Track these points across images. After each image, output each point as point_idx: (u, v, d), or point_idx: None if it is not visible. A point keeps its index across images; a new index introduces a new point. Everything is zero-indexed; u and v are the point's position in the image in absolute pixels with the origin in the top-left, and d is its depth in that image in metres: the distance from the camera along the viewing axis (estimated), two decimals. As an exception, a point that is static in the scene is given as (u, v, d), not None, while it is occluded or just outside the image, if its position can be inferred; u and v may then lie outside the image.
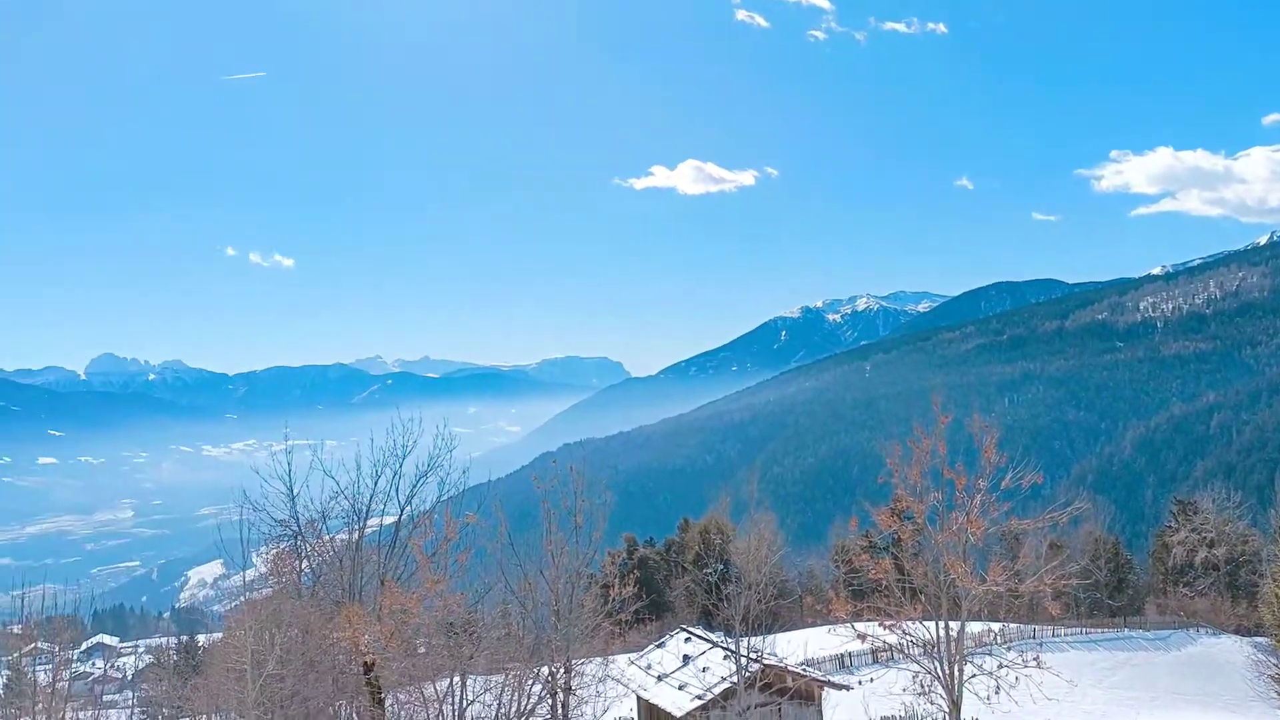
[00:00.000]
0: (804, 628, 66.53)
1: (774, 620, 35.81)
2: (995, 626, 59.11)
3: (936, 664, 24.96)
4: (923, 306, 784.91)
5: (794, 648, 47.51)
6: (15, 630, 37.68)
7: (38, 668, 33.85)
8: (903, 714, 38.86)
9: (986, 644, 54.13)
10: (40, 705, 29.51)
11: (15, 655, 37.04)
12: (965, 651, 25.46)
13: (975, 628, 53.69)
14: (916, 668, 25.71)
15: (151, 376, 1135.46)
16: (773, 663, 33.23)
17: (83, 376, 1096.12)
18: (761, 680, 32.06)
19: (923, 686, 25.53)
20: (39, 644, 36.73)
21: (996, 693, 25.18)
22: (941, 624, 24.85)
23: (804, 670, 36.54)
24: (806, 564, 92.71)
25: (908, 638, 25.69)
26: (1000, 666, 24.78)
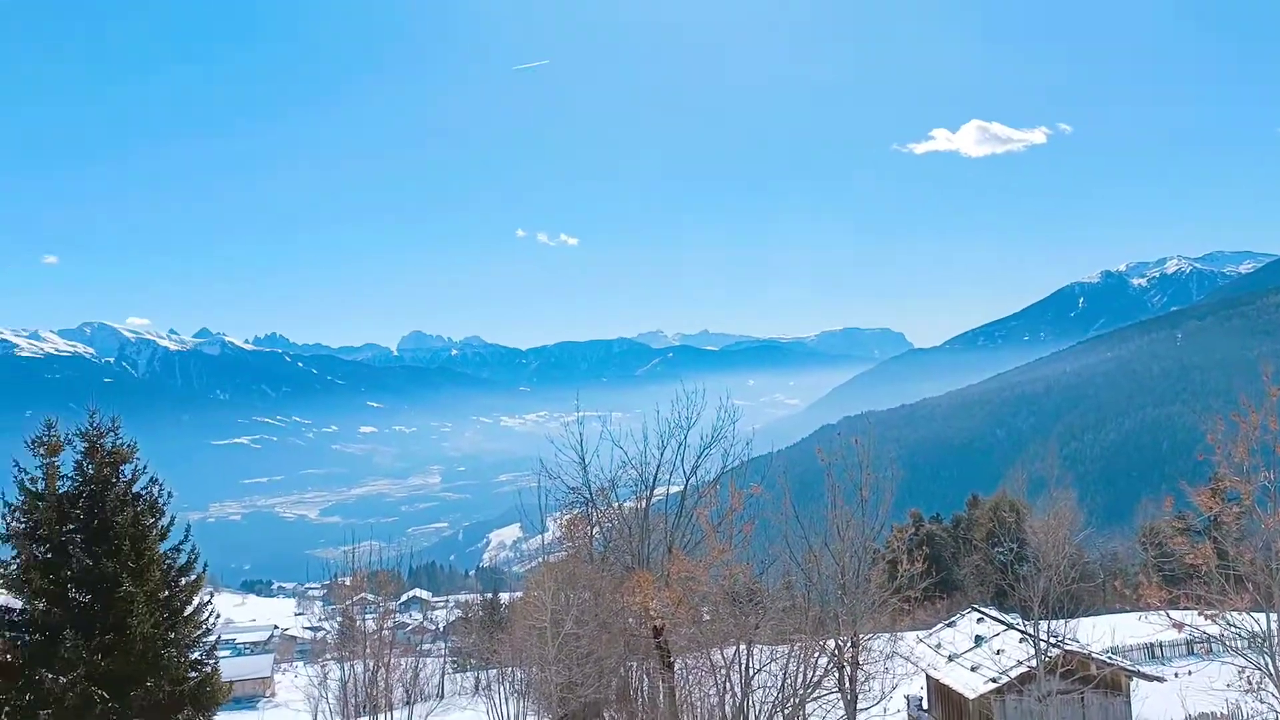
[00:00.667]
0: (1108, 613, 62.46)
1: (1075, 604, 33.70)
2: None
3: (1267, 659, 22.65)
4: (1245, 267, 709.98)
5: (1098, 634, 44.68)
6: (346, 582, 41.59)
7: (366, 616, 37.23)
8: (1225, 711, 35.68)
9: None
10: (368, 650, 32.55)
11: (346, 604, 40.90)
12: (1303, 648, 22.94)
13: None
14: (1243, 662, 23.45)
15: (454, 352, 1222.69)
16: (1075, 648, 31.36)
17: (395, 352, 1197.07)
18: (1062, 666, 30.33)
19: (1250, 683, 23.27)
20: (366, 595, 40.55)
21: (1341, 695, 22.57)
22: (1274, 616, 22.50)
23: (1110, 658, 34.23)
24: (1110, 546, 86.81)
25: (1232, 629, 23.47)
26: (1346, 666, 22.15)
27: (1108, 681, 32.09)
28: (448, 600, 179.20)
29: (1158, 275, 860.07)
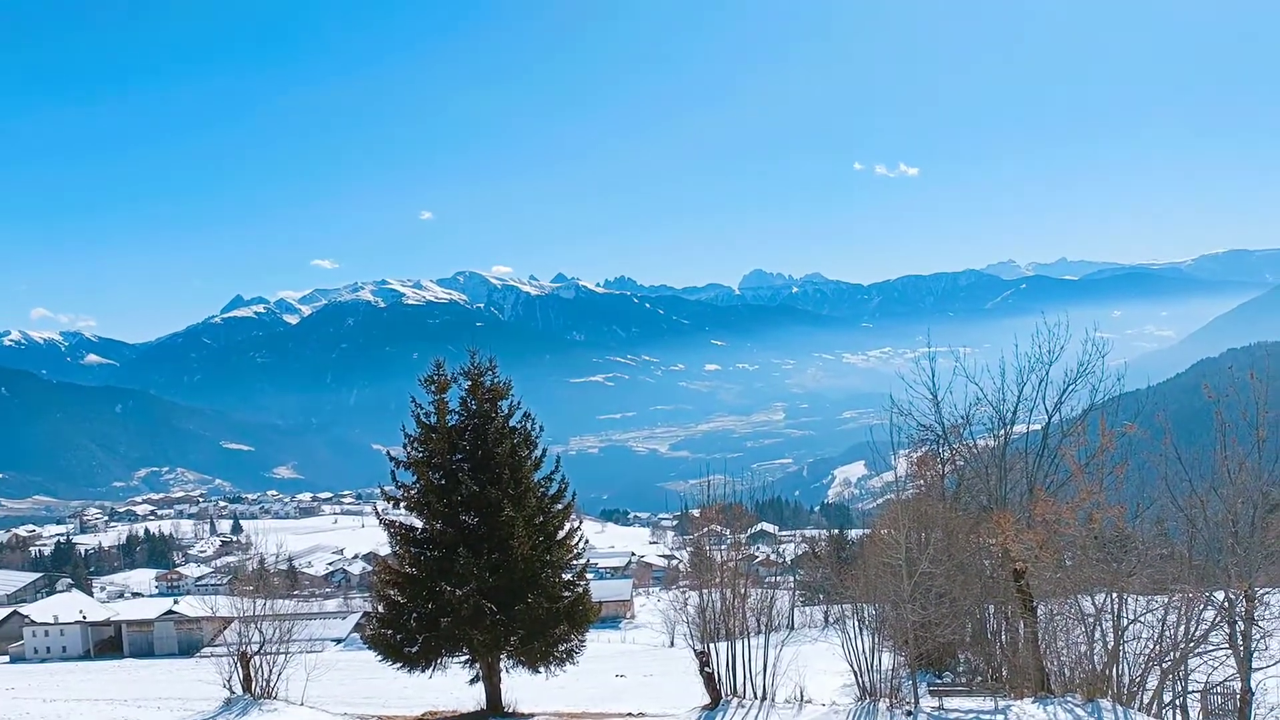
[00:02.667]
0: None
1: None
2: None
3: None
4: None
5: None
6: (696, 513, 43.21)
7: (720, 546, 38.52)
8: None
9: None
10: (722, 579, 33.72)
11: (699, 534, 42.54)
12: None
13: None
14: None
15: (794, 290, 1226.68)
16: None
17: (737, 291, 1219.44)
18: None
19: None
20: (717, 526, 41.98)
21: None
22: None
23: None
24: None
25: None
26: None
27: None
28: (794, 535, 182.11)
29: None
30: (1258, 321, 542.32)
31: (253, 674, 28.64)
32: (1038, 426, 33.69)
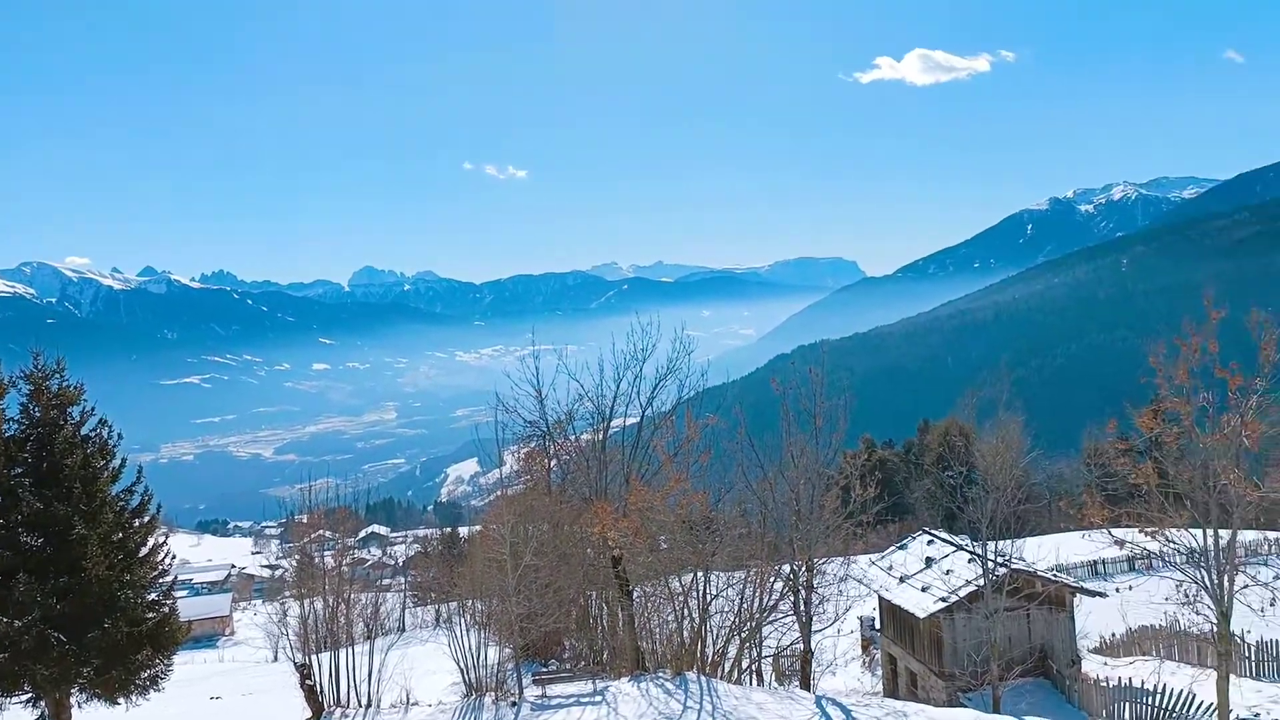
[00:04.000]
0: (1054, 533, 64.28)
1: (1022, 524, 34.60)
2: (1272, 536, 54.91)
3: (1203, 573, 23.48)
4: (1188, 193, 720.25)
5: (1044, 553, 46.02)
6: (303, 519, 41.59)
7: (324, 553, 37.33)
8: (1164, 623, 37.05)
9: (1262, 554, 50.59)
10: (327, 586, 32.71)
11: (304, 542, 40.94)
12: (1237, 561, 23.77)
13: (1249, 536, 50.19)
14: (1180, 577, 24.30)
15: (407, 287, 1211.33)
16: (1021, 567, 32.28)
17: (347, 289, 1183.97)
18: (1009, 585, 31.24)
19: (1187, 596, 24.21)
20: (324, 532, 40.61)
21: (1272, 604, 23.54)
22: (1210, 532, 23.29)
23: (1054, 576, 35.24)
24: (1056, 468, 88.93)
25: (1171, 545, 24.26)
26: (1277, 577, 23.04)
27: (1052, 598, 33.07)
28: (406, 536, 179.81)
29: (1104, 202, 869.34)
30: (822, 321, 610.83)
31: None
32: (634, 420, 35.81)
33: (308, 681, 25.90)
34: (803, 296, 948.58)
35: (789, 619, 32.37)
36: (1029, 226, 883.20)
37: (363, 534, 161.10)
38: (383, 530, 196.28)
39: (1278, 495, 23.27)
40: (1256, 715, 27.44)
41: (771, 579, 30.92)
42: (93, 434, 25.93)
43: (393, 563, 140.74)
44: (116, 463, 26.30)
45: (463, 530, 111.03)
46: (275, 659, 71.88)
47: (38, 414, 25.16)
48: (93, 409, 26.05)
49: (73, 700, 25.57)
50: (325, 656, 27.66)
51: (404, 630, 71.09)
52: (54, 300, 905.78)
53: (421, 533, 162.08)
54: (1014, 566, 31.43)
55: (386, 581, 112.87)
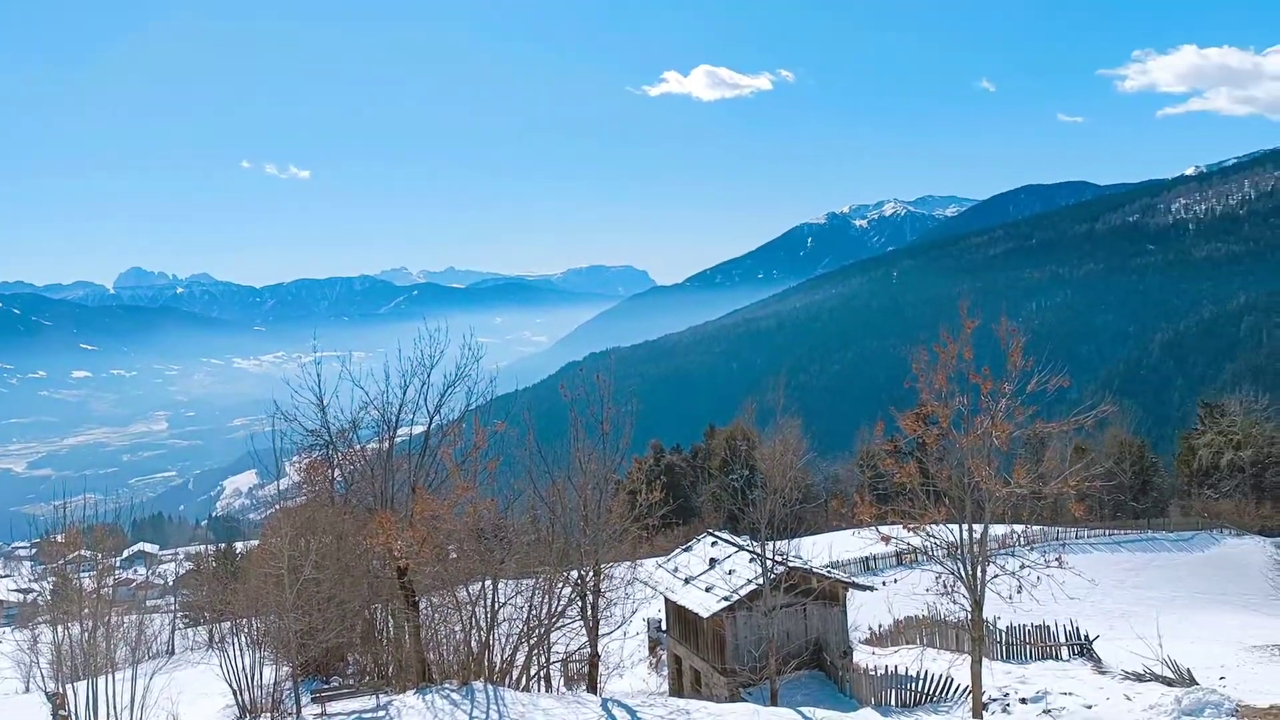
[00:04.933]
0: (829, 531, 67.40)
1: (799, 524, 36.22)
2: (1019, 529, 59.72)
3: (959, 565, 25.21)
4: (950, 211, 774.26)
5: (819, 551, 48.21)
6: (59, 539, 38.62)
7: (82, 574, 34.77)
8: (926, 613, 39.53)
9: (1010, 546, 54.74)
10: (86, 609, 30.43)
11: (60, 562, 38.05)
12: (988, 553, 25.68)
13: (999, 530, 54.24)
14: (939, 569, 26.01)
15: (180, 290, 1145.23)
16: (798, 565, 33.73)
17: (111, 291, 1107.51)
18: (787, 582, 32.58)
19: (945, 586, 25.86)
20: (83, 552, 37.74)
21: (1019, 592, 25.49)
22: (965, 526, 25.08)
23: (829, 572, 37.03)
24: (832, 470, 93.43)
25: (931, 540, 25.94)
26: (1023, 567, 25.02)
27: (827, 593, 34.72)
28: (177, 553, 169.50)
29: (877, 217, 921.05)
30: (613, 328, 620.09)
31: None
32: (421, 428, 35.17)
33: (61, 712, 24.10)
34: (595, 304, 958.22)
35: (577, 624, 32.59)
36: (809, 239, 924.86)
37: (128, 553, 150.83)
38: (151, 548, 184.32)
39: (1023, 490, 25.26)
40: (1005, 694, 29.72)
41: (560, 585, 31.06)
42: None
43: (161, 581, 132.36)
44: None
45: (239, 545, 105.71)
46: (27, 690, 66.34)
47: None
48: None
49: None
50: (83, 685, 25.72)
51: (173, 653, 67.00)
52: None
53: (194, 549, 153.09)
54: (791, 564, 32.84)
55: (154, 602, 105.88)
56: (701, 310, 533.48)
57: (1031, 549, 53.09)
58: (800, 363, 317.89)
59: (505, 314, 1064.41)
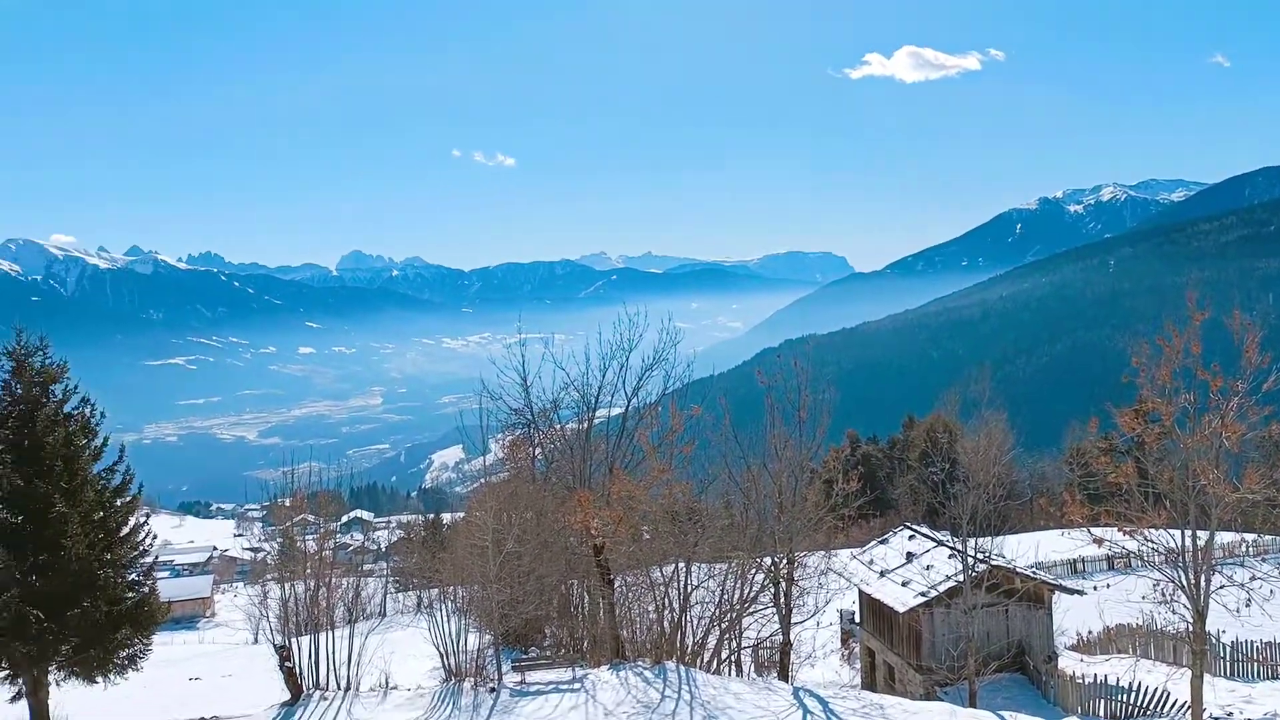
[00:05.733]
0: (1035, 530, 64.61)
1: (1003, 521, 34.85)
2: (1249, 538, 55.34)
3: (1180, 573, 23.66)
4: (1177, 195, 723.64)
5: (1024, 550, 46.26)
6: (286, 503, 41.49)
7: (307, 536, 37.24)
8: (1140, 621, 37.32)
9: (1239, 556, 50.96)
10: (309, 570, 32.64)
11: (288, 524, 40.81)
12: (1214, 561, 23.98)
13: (1226, 538, 50.54)
14: (1157, 576, 24.48)
15: (395, 273, 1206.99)
16: (1000, 564, 32.48)
17: (334, 273, 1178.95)
18: (988, 581, 31.43)
19: (1164, 595, 24.31)
20: (307, 516, 40.50)
21: (1247, 605, 23.73)
22: (1190, 533, 23.47)
23: (1033, 573, 35.48)
24: (1038, 466, 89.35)
25: (1149, 544, 24.44)
26: (1253, 579, 23.24)
27: (1031, 594, 33.29)
28: (389, 521, 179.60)
29: (1093, 202, 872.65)
30: (810, 315, 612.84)
31: None
32: (619, 410, 35.83)
33: (287, 664, 25.91)
34: (791, 290, 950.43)
35: (769, 611, 32.50)
36: (1018, 226, 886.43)
37: (346, 518, 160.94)
38: (366, 515, 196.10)
39: (1255, 497, 23.43)
40: (1229, 714, 27.69)
41: (753, 571, 31.05)
42: (75, 412, 25.84)
43: (375, 548, 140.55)
44: (98, 441, 26.22)
45: (446, 517, 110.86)
46: (256, 641, 71.85)
47: (19, 391, 25.06)
48: (75, 387, 25.94)
49: (50, 678, 25.54)
50: (305, 639, 27.62)
51: (385, 615, 71.04)
52: (39, 278, 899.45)
53: (405, 518, 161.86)
54: (993, 563, 31.63)
55: (369, 566, 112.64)
56: (901, 298, 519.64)
57: (1264, 560, 49.26)
58: (1006, 354, 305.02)
59: (701, 299, 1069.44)
